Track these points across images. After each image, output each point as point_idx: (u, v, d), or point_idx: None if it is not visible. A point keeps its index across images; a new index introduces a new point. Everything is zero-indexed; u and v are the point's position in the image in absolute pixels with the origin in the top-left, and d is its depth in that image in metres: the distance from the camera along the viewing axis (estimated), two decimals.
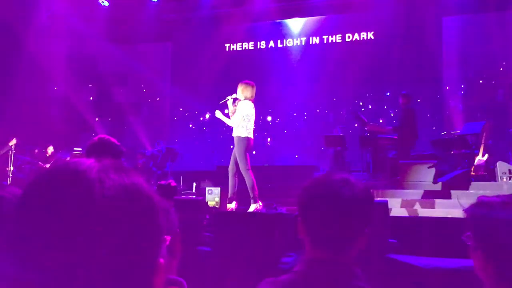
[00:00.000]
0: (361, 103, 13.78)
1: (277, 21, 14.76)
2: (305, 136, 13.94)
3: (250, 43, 15.15)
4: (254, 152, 10.87)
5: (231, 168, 6.84)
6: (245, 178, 6.66)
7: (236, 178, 6.79)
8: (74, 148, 12.38)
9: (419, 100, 12.23)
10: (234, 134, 6.74)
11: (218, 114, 7.01)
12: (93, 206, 0.64)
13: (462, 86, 13.07)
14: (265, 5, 13.89)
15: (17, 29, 12.53)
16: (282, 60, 14.59)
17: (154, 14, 14.88)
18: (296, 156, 14.08)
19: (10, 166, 11.09)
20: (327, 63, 13.84)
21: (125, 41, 15.27)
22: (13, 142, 10.92)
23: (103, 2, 14.45)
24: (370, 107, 13.86)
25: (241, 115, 6.62)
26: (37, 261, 0.63)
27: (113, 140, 3.44)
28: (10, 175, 11.00)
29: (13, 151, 11.12)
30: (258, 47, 15.05)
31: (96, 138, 3.44)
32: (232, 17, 14.35)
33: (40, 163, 12.00)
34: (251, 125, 6.70)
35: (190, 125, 15.34)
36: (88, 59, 15.23)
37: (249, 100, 6.73)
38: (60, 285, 0.62)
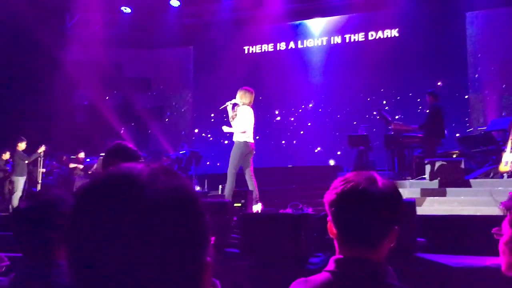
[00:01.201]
0: (384, 102, 13.65)
1: (297, 22, 14.78)
2: (328, 136, 13.89)
3: (270, 45, 15.19)
4: (269, 156, 10.81)
5: (246, 172, 6.97)
6: (228, 179, 6.84)
7: (254, 179, 6.89)
8: (101, 154, 12.58)
9: (442, 96, 12.04)
10: (234, 138, 6.94)
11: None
12: (146, 208, 0.68)
13: (488, 81, 12.84)
14: (285, 7, 13.91)
15: (43, 37, 12.79)
16: (303, 61, 14.60)
17: (175, 19, 15.06)
18: (317, 149, 14.01)
19: (40, 172, 11.33)
20: (350, 62, 13.78)
21: (148, 46, 15.48)
22: (42, 149, 11.14)
23: (125, 9, 14.67)
24: (392, 102, 13.68)
25: (240, 121, 6.83)
26: (95, 258, 0.67)
27: (130, 145, 3.52)
28: (40, 180, 11.23)
29: (42, 158, 11.35)
30: (278, 48, 15.08)
31: (113, 143, 3.52)
32: (252, 19, 14.42)
33: (70, 167, 12.25)
34: (250, 130, 6.89)
35: (207, 132, 15.39)
36: (112, 65, 15.49)
37: (248, 105, 6.91)
38: (117, 281, 0.67)
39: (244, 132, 6.82)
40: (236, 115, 6.93)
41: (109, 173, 0.74)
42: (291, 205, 5.22)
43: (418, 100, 12.59)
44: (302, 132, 14.46)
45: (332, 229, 1.49)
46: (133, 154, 3.39)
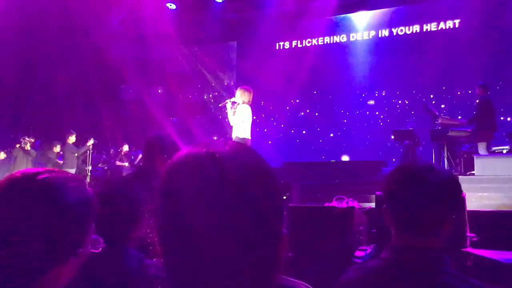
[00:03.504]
0: (431, 96, 13.27)
1: (342, 16, 14.60)
2: (374, 130, 13.70)
3: (314, 39, 15.07)
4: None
5: None
6: None
7: None
8: None
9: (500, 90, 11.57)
10: (233, 135, 7.17)
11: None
12: (226, 182, 0.73)
13: None
14: (329, 0, 13.78)
15: (91, 34, 13.17)
16: (348, 54, 14.42)
17: (219, 14, 15.18)
18: (363, 143, 13.84)
19: (89, 165, 11.68)
20: (397, 55, 13.48)
21: (192, 42, 15.68)
22: (90, 142, 11.48)
23: (170, 5, 14.90)
24: (446, 97, 13.27)
25: (240, 118, 7.07)
26: (183, 232, 0.73)
27: (169, 136, 3.58)
28: (89, 173, 11.58)
29: (91, 151, 11.70)
30: (323, 42, 14.95)
31: (152, 135, 3.60)
32: (296, 14, 14.36)
33: (117, 162, 12.59)
34: (248, 127, 7.15)
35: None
36: (157, 60, 15.79)
37: (247, 104, 7.15)
38: (206, 253, 0.71)
39: (244, 129, 7.10)
40: (235, 112, 7.19)
41: (191, 151, 0.79)
42: (336, 198, 5.21)
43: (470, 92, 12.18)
44: (354, 126, 14.27)
45: (388, 217, 1.50)
46: (171, 145, 3.47)
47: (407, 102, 13.56)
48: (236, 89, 7.51)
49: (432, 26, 13.45)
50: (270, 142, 14.45)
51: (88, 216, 1.09)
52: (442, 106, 12.90)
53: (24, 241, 0.97)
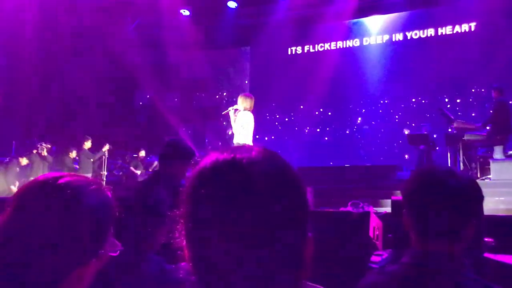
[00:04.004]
0: (446, 99, 13.16)
1: (354, 20, 14.56)
2: (387, 134, 13.63)
3: (326, 44, 15.04)
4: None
5: None
6: None
7: None
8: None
9: None
10: (235, 141, 7.33)
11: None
12: (254, 187, 0.75)
13: None
14: (342, 5, 13.76)
15: (106, 40, 13.31)
16: (361, 59, 14.38)
17: (232, 20, 15.26)
18: (376, 148, 13.77)
19: (104, 170, 11.76)
20: (412, 59, 13.39)
21: (205, 47, 15.75)
22: (106, 148, 11.57)
23: (184, 11, 15.01)
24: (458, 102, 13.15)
25: (240, 124, 7.21)
26: (214, 234, 0.75)
27: (184, 142, 3.64)
28: (104, 179, 11.66)
29: (106, 156, 11.78)
30: (337, 47, 14.93)
31: (168, 140, 3.69)
32: (309, 18, 14.39)
33: (131, 167, 12.67)
34: (249, 133, 7.29)
35: (263, 132, 15.42)
36: (172, 66, 15.92)
37: (248, 110, 7.27)
38: (235, 254, 0.74)
39: (245, 135, 7.23)
40: (236, 119, 7.33)
41: (218, 157, 0.81)
42: (351, 203, 5.20)
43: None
44: (367, 129, 14.21)
45: (408, 222, 1.50)
46: (187, 150, 3.52)
47: (423, 102, 13.43)
48: (239, 96, 7.63)
49: (447, 30, 13.34)
50: (283, 146, 14.46)
51: (108, 218, 1.12)
52: (457, 108, 12.80)
53: (48, 244, 1.00)
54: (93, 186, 1.13)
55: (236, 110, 7.38)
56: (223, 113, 7.82)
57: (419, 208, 1.45)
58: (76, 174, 1.16)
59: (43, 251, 1.00)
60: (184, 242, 0.81)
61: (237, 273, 0.74)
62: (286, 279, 0.77)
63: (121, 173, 13.18)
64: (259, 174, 0.76)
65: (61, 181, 1.09)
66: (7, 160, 9.45)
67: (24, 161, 11.09)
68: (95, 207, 1.09)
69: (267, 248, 0.74)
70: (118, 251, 1.15)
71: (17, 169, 10.93)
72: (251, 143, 7.25)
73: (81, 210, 1.06)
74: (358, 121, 14.47)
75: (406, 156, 11.98)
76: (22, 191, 1.09)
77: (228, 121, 8.37)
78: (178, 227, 0.83)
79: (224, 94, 16.74)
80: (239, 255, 0.74)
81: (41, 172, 10.58)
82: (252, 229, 0.74)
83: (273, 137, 15.24)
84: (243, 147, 0.82)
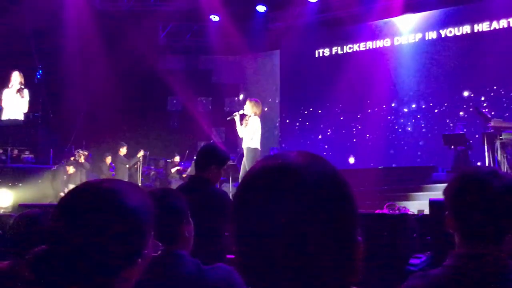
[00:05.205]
0: (482, 98, 12.80)
1: (386, 20, 14.35)
2: (423, 135, 13.37)
3: (355, 44, 14.84)
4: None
5: (241, 175, 7.46)
6: None
7: None
8: (194, 157, 13.03)
9: None
10: (244, 145, 7.48)
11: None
12: (303, 192, 0.76)
13: None
14: (371, 5, 13.62)
15: (139, 48, 13.54)
16: (393, 58, 14.18)
17: (262, 24, 15.31)
18: (411, 149, 13.52)
19: (139, 176, 11.96)
20: (446, 58, 13.13)
21: (236, 52, 15.85)
22: (140, 154, 11.77)
23: (214, 17, 15.15)
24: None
25: (251, 129, 7.34)
26: (261, 240, 0.76)
27: (219, 147, 3.70)
28: (140, 184, 11.85)
29: (141, 162, 11.98)
30: (367, 47, 14.74)
31: (204, 145, 3.80)
32: (339, 20, 14.29)
33: (171, 171, 12.84)
34: (258, 138, 7.44)
35: (294, 135, 15.36)
36: (202, 72, 16.10)
37: (257, 115, 7.44)
38: (281, 259, 0.74)
39: (255, 140, 7.40)
40: (247, 124, 7.45)
41: (266, 163, 0.82)
42: (387, 205, 5.14)
43: None
44: (402, 131, 13.96)
45: (451, 223, 1.48)
46: (222, 155, 3.57)
47: (458, 101, 13.11)
48: (246, 101, 7.82)
49: (484, 26, 12.96)
50: (313, 148, 14.36)
51: (150, 219, 1.15)
52: (491, 107, 12.46)
53: (97, 247, 1.04)
54: (133, 189, 1.18)
55: (242, 115, 7.52)
56: (228, 118, 7.97)
57: (463, 210, 1.43)
58: (115, 179, 1.20)
59: (93, 254, 1.04)
60: (234, 246, 0.82)
61: (283, 277, 0.75)
62: (334, 284, 0.77)
63: (155, 177, 13.37)
64: (308, 179, 0.77)
65: (104, 186, 1.13)
66: (55, 168, 9.73)
67: (71, 169, 11.33)
68: (138, 208, 1.12)
69: (315, 252, 0.75)
70: (160, 251, 1.18)
71: (64, 177, 11.17)
72: (259, 147, 7.53)
73: (126, 212, 1.09)
74: (391, 122, 14.24)
75: (442, 157, 11.72)
76: (69, 196, 1.13)
77: None
78: (228, 233, 0.85)
79: (255, 98, 16.77)
80: (288, 259, 0.74)
81: (79, 178, 10.83)
82: (300, 233, 0.74)
83: (301, 141, 15.18)
84: (289, 153, 0.83)
